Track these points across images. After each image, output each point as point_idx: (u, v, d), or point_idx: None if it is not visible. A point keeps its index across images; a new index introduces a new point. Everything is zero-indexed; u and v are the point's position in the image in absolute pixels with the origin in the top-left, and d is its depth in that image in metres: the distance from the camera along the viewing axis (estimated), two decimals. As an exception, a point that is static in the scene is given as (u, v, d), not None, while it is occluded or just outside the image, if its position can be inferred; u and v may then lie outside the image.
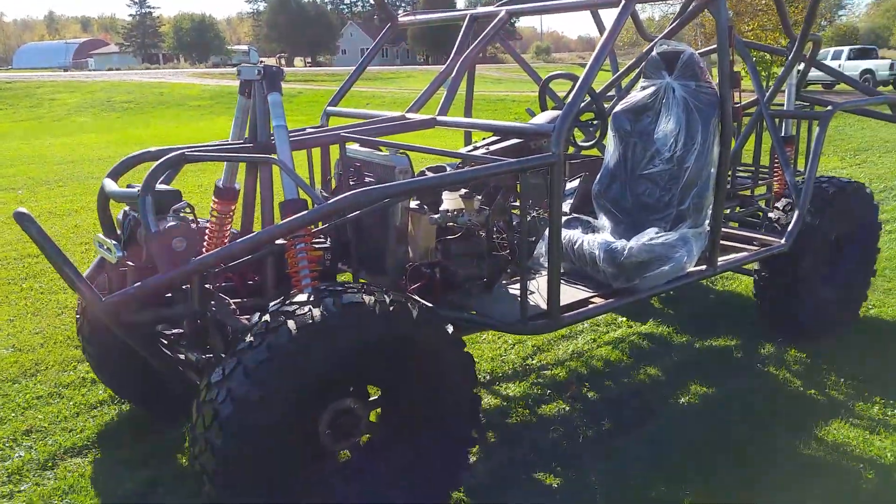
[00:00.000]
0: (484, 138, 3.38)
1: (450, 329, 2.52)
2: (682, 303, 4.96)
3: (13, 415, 3.53)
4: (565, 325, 3.06)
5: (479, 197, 2.85)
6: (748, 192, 5.00)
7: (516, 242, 3.45)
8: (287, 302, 2.28)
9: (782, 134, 4.55)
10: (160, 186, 2.72)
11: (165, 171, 2.71)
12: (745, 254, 3.88)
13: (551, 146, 2.76)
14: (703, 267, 3.55)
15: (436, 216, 2.85)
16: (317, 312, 2.19)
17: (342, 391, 2.47)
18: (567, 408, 3.60)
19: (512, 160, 2.79)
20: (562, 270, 3.46)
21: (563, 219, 3.63)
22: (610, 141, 3.71)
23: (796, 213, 3.96)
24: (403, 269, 3.09)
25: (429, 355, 2.47)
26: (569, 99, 2.83)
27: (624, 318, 4.69)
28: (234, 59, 69.52)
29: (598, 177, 3.75)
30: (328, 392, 2.41)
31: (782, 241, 3.91)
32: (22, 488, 2.96)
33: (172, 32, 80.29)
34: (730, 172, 4.57)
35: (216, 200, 3.10)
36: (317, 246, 3.17)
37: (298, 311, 2.21)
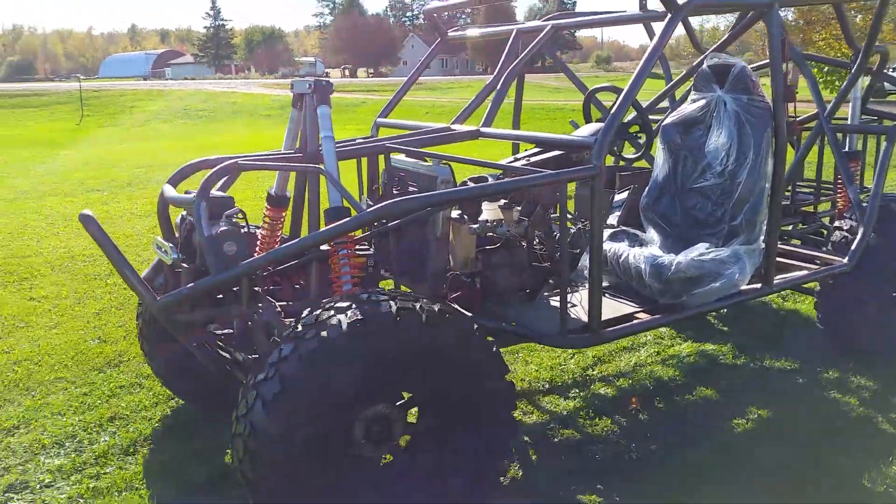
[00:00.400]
0: (527, 150, 3.39)
1: (486, 339, 2.52)
2: (747, 322, 4.83)
3: (99, 402, 3.76)
4: (606, 341, 3.03)
5: (518, 208, 2.86)
6: (811, 209, 4.85)
7: (558, 254, 3.46)
8: (317, 313, 2.33)
9: (846, 149, 4.40)
10: (215, 193, 2.83)
11: (220, 178, 2.82)
12: (804, 272, 3.76)
13: (592, 158, 2.75)
14: (759, 285, 3.46)
15: (475, 226, 2.88)
16: (346, 322, 2.24)
17: (375, 398, 2.49)
18: (626, 421, 3.55)
19: (551, 171, 2.79)
20: (606, 284, 3.46)
21: (610, 231, 3.61)
22: (659, 154, 3.67)
23: (861, 231, 3.82)
24: (443, 278, 3.12)
25: (463, 365, 2.47)
26: (612, 111, 2.81)
27: (687, 334, 4.58)
28: (301, 70, 70.99)
29: (646, 189, 3.71)
30: (361, 401, 2.43)
31: (845, 260, 3.77)
32: (107, 471, 3.14)
33: (244, 44, 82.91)
34: (789, 188, 4.45)
35: (268, 207, 3.21)
36: (360, 253, 3.25)
37: (330, 321, 2.26)
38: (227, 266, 2.62)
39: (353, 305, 2.31)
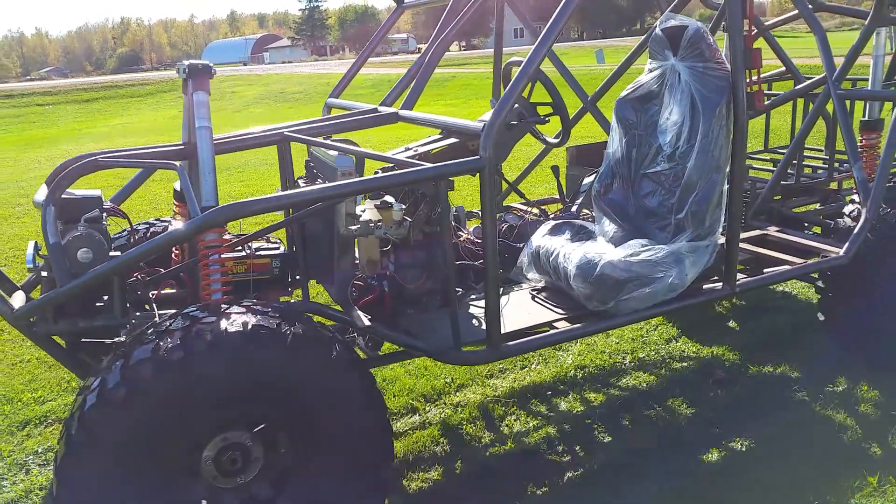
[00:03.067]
0: (432, 136, 3.00)
1: (355, 370, 2.21)
2: (757, 318, 4.28)
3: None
4: (506, 356, 2.64)
5: (397, 207, 2.50)
6: (835, 185, 4.21)
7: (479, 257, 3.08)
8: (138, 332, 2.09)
9: (865, 117, 3.73)
10: (74, 193, 2.63)
11: (75, 177, 2.62)
12: (785, 268, 3.20)
13: (479, 148, 2.36)
14: (719, 284, 2.97)
15: (354, 227, 2.55)
16: (164, 347, 1.98)
17: (215, 427, 2.19)
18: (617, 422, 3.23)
19: (430, 165, 2.41)
20: (541, 285, 3.07)
21: (553, 223, 3.20)
22: (613, 132, 3.19)
23: (863, 216, 3.21)
24: (348, 282, 2.82)
25: (321, 397, 2.16)
26: (506, 91, 2.40)
27: (687, 332, 4.11)
28: (393, 47, 71.53)
29: (598, 174, 3.24)
30: (196, 429, 2.14)
31: (841, 251, 3.19)
32: None
33: (338, 24, 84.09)
34: (794, 163, 3.85)
35: (176, 203, 3.01)
36: (265, 253, 3.00)
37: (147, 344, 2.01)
38: (78, 274, 2.42)
39: (176, 326, 2.06)
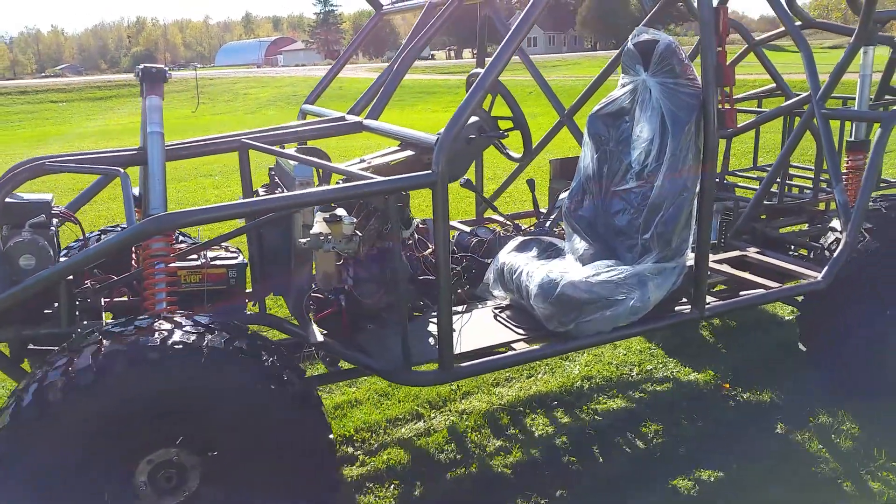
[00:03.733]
0: (390, 147, 2.92)
1: (291, 390, 2.11)
2: (742, 342, 4.16)
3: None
4: (458, 378, 2.56)
5: (348, 221, 2.42)
6: (822, 206, 4.10)
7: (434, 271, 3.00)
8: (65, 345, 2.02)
9: (852, 137, 3.63)
10: (18, 198, 2.56)
11: (21, 181, 2.56)
12: (759, 291, 3.10)
13: (432, 163, 2.28)
14: (688, 308, 2.87)
15: (303, 240, 2.47)
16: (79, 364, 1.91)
17: (146, 443, 2.11)
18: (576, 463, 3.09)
19: (380, 179, 2.33)
20: (506, 303, 2.98)
21: (520, 239, 3.11)
22: (585, 148, 3.10)
23: (843, 240, 3.11)
24: (305, 295, 2.74)
25: (256, 417, 2.07)
26: (462, 103, 2.32)
27: (668, 353, 4.00)
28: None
29: (569, 190, 3.15)
30: (124, 445, 2.05)
31: (819, 276, 3.08)
32: None
33: (352, 29, 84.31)
34: (777, 182, 3.75)
35: (139, 211, 2.95)
36: (221, 263, 2.92)
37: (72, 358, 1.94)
38: (18, 281, 2.35)
39: (88, 343, 1.98)
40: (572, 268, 2.80)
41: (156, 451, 2.10)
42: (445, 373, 2.45)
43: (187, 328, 2.05)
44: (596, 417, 3.39)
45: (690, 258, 2.80)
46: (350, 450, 3.14)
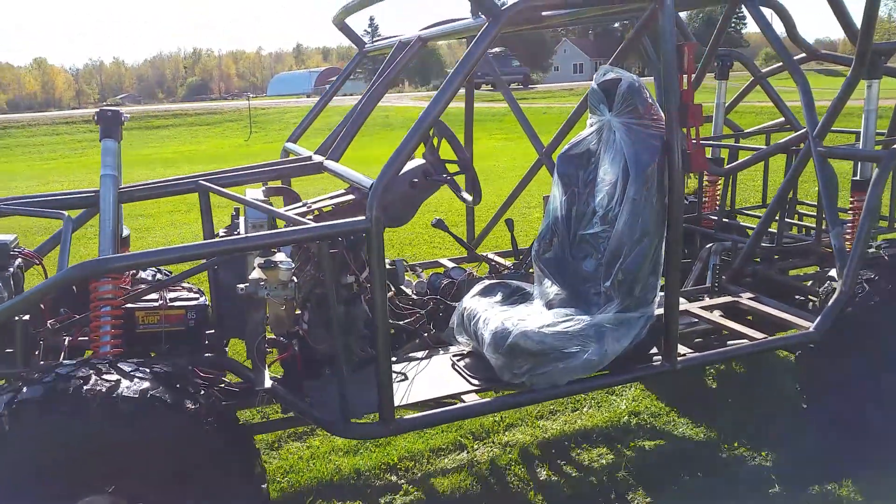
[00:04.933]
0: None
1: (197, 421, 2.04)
2: (745, 389, 3.93)
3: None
4: (399, 432, 2.45)
5: (286, 267, 2.35)
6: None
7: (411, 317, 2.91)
8: None
9: (857, 176, 3.42)
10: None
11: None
12: (743, 342, 2.91)
13: (366, 209, 2.20)
14: (658, 360, 2.71)
15: (242, 286, 2.41)
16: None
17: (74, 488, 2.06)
18: None
19: (312, 225, 2.26)
20: (466, 350, 2.87)
21: (487, 282, 3.00)
22: (555, 187, 2.98)
23: (838, 288, 2.90)
24: (256, 338, 2.68)
25: (171, 458, 2.01)
26: (399, 145, 2.24)
27: (664, 402, 3.78)
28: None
29: (539, 232, 3.03)
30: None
31: (811, 326, 2.88)
32: None
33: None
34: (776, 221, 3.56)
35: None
36: (180, 304, 2.88)
37: None
38: None
39: (34, 385, 1.95)
40: (531, 316, 2.67)
41: (87, 496, 2.04)
42: (385, 426, 2.35)
43: (107, 375, 2.00)
44: (640, 455, 3.26)
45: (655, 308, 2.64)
46: (393, 478, 3.15)
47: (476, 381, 2.64)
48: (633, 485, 3.05)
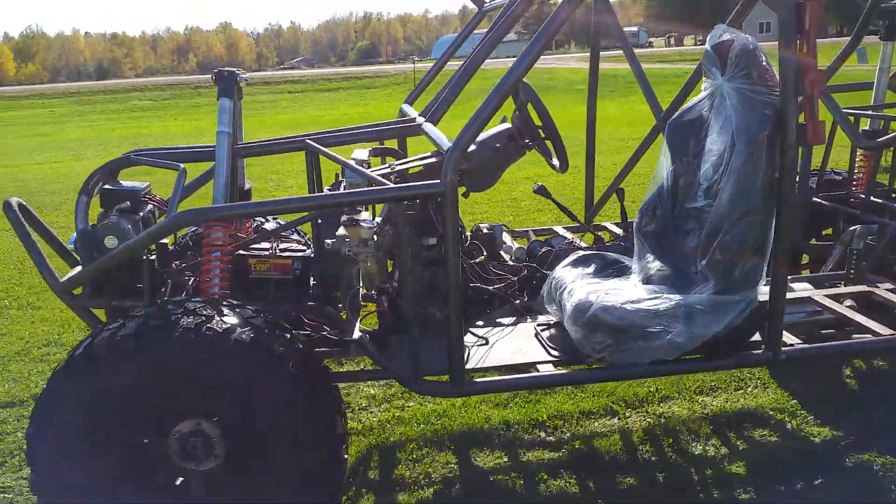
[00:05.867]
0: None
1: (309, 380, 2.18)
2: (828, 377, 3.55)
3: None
4: (467, 394, 2.45)
5: (368, 224, 2.40)
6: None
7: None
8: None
9: None
10: (113, 185, 2.84)
11: (108, 172, 2.83)
12: (867, 337, 2.62)
13: (441, 173, 2.19)
14: (761, 349, 2.51)
15: (329, 241, 2.51)
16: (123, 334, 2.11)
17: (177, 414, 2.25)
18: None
19: (390, 186, 2.29)
20: (553, 320, 2.81)
21: (580, 253, 2.91)
22: (663, 157, 2.81)
23: None
24: (350, 292, 2.78)
25: (271, 392, 2.16)
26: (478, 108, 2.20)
27: (736, 380, 3.54)
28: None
29: (642, 204, 2.88)
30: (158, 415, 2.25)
31: None
32: (410, 405, 3.40)
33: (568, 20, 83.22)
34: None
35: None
36: (287, 255, 3.03)
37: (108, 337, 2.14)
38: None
39: (138, 317, 2.18)
40: (619, 290, 2.56)
41: (186, 420, 2.24)
42: (455, 387, 2.37)
43: (205, 313, 2.16)
44: (805, 438, 3.06)
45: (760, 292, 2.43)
46: (542, 434, 3.16)
47: (555, 353, 2.58)
48: (795, 469, 2.84)
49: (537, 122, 2.78)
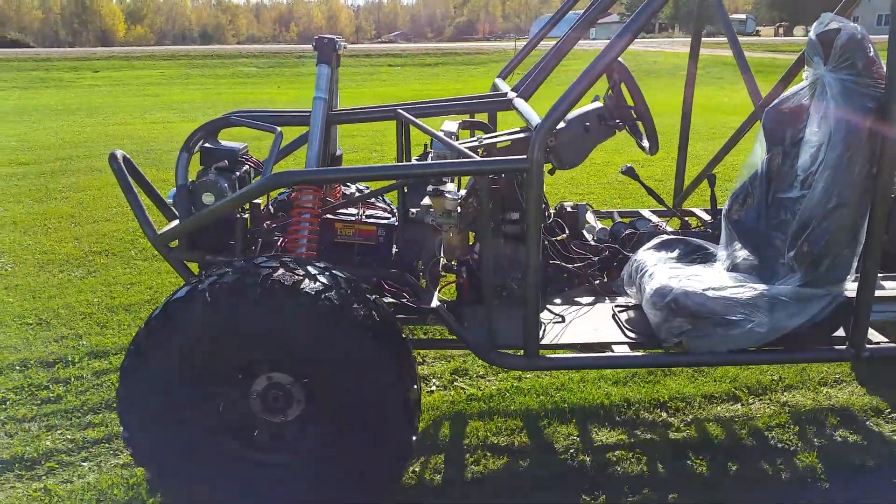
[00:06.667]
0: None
1: (388, 342, 2.26)
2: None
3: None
4: (541, 369, 2.50)
5: (452, 196, 2.46)
6: None
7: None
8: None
9: None
10: (225, 144, 2.99)
11: (207, 132, 2.98)
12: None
13: (528, 149, 2.24)
14: (843, 346, 2.45)
15: (414, 210, 2.59)
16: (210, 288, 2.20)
17: (254, 368, 2.37)
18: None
19: (476, 160, 2.35)
20: (633, 302, 2.83)
21: (665, 237, 2.90)
22: (758, 144, 2.75)
23: None
24: (431, 261, 2.88)
25: (352, 360, 2.23)
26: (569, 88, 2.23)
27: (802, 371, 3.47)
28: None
29: (733, 191, 2.83)
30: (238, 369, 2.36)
31: None
32: (528, 376, 3.44)
33: (671, 1, 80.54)
34: None
35: None
36: (372, 221, 3.14)
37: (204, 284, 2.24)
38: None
39: (229, 272, 2.27)
40: (702, 276, 2.55)
41: (266, 374, 2.36)
42: (529, 361, 2.42)
43: (291, 271, 2.25)
44: None
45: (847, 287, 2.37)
46: (664, 415, 3.19)
47: (631, 335, 2.59)
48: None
49: (630, 102, 2.77)
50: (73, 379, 3.50)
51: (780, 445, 2.93)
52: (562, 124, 2.56)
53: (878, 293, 2.50)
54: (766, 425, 3.06)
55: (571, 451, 2.89)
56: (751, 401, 3.26)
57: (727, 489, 2.66)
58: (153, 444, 2.29)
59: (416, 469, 2.78)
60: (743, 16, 79.14)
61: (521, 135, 2.66)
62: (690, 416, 3.14)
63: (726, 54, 17.80)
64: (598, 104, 2.66)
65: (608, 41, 2.29)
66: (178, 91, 20.27)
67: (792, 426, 3.06)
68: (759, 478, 2.74)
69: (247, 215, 2.98)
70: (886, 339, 2.54)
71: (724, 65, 20.48)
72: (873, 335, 2.54)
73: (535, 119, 2.37)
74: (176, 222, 2.87)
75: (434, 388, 3.42)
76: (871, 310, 2.38)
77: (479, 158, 2.36)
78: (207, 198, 2.86)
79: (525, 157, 2.24)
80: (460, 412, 3.18)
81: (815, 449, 2.90)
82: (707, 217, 3.58)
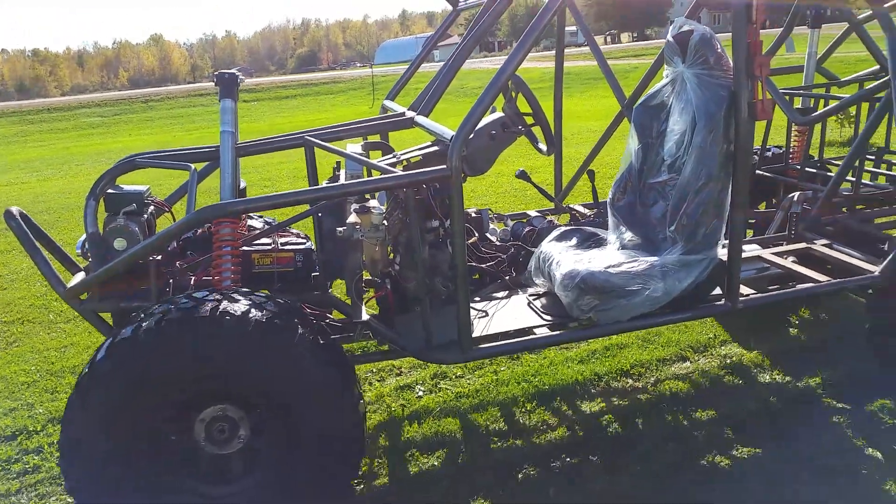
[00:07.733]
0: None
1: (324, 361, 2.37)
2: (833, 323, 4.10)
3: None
4: (476, 358, 2.72)
5: (377, 210, 2.65)
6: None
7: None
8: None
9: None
10: (118, 189, 2.99)
11: (114, 176, 2.97)
12: (808, 284, 3.00)
13: (447, 159, 2.47)
14: (721, 301, 2.86)
15: (341, 229, 2.75)
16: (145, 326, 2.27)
17: (200, 400, 2.44)
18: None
19: (397, 174, 2.56)
20: (542, 291, 3.11)
21: (563, 229, 3.22)
22: (630, 138, 3.15)
23: None
24: (354, 278, 3.02)
25: (287, 375, 2.34)
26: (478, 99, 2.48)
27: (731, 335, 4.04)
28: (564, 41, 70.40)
29: (614, 181, 3.21)
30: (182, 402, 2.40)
31: (877, 270, 2.94)
32: (502, 368, 3.82)
33: (507, 20, 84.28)
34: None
35: None
36: (289, 248, 3.24)
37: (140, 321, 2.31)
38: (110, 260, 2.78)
39: (172, 308, 2.33)
40: (600, 258, 2.88)
41: (209, 407, 2.44)
42: (464, 353, 2.64)
43: (227, 301, 2.35)
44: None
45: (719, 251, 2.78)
46: (630, 381, 3.63)
47: (548, 318, 2.88)
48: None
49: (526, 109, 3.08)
50: (45, 446, 3.37)
51: (722, 389, 3.47)
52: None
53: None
54: (714, 375, 3.60)
55: (566, 423, 3.27)
56: (696, 357, 3.82)
57: (706, 427, 3.16)
58: (99, 489, 2.29)
59: (436, 462, 3.06)
60: (574, 28, 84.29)
61: (434, 148, 2.89)
62: (653, 378, 3.63)
63: (572, 65, 19.05)
64: (500, 114, 2.94)
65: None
66: (18, 149, 18.90)
67: (732, 374, 3.61)
68: (730, 414, 3.24)
69: (159, 257, 2.99)
70: (754, 291, 2.98)
71: (567, 75, 21.77)
72: (744, 290, 2.96)
73: (448, 132, 2.61)
74: (81, 274, 2.85)
75: (421, 393, 3.65)
76: (741, 268, 2.80)
77: (404, 172, 2.56)
78: (120, 243, 2.83)
79: (445, 166, 2.46)
80: (454, 408, 3.45)
81: (753, 385, 3.49)
82: (587, 211, 3.97)
